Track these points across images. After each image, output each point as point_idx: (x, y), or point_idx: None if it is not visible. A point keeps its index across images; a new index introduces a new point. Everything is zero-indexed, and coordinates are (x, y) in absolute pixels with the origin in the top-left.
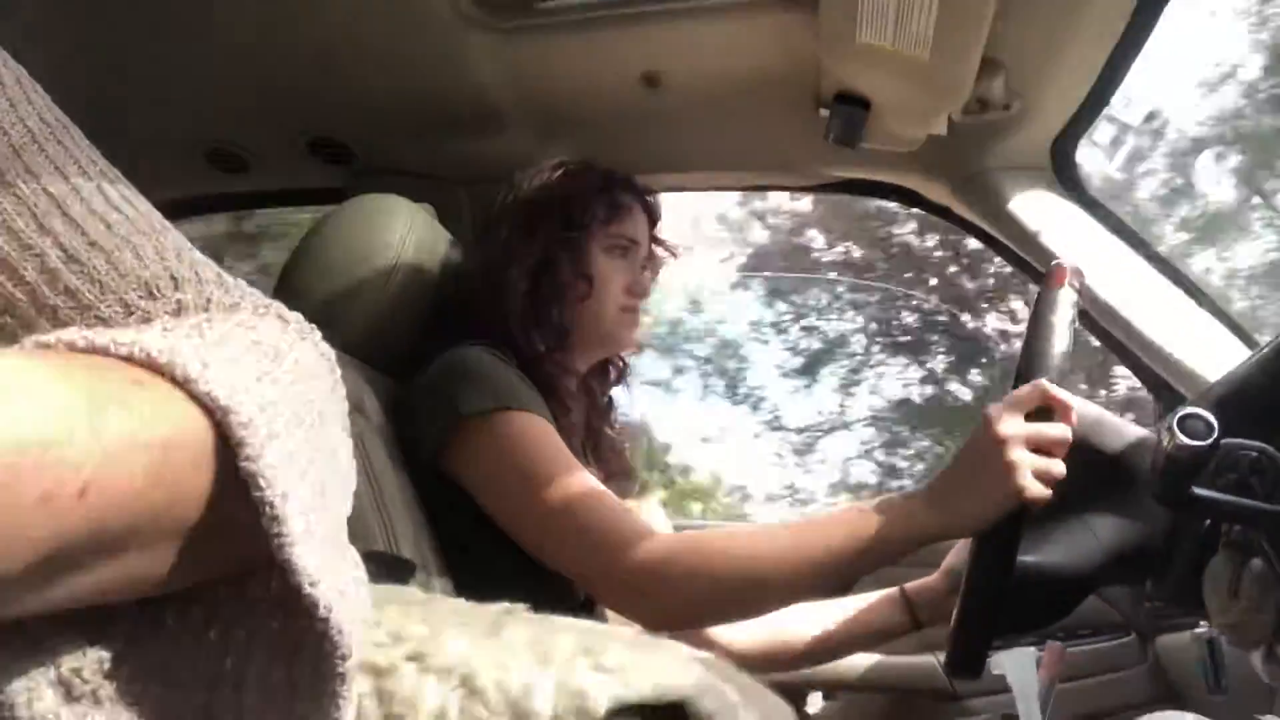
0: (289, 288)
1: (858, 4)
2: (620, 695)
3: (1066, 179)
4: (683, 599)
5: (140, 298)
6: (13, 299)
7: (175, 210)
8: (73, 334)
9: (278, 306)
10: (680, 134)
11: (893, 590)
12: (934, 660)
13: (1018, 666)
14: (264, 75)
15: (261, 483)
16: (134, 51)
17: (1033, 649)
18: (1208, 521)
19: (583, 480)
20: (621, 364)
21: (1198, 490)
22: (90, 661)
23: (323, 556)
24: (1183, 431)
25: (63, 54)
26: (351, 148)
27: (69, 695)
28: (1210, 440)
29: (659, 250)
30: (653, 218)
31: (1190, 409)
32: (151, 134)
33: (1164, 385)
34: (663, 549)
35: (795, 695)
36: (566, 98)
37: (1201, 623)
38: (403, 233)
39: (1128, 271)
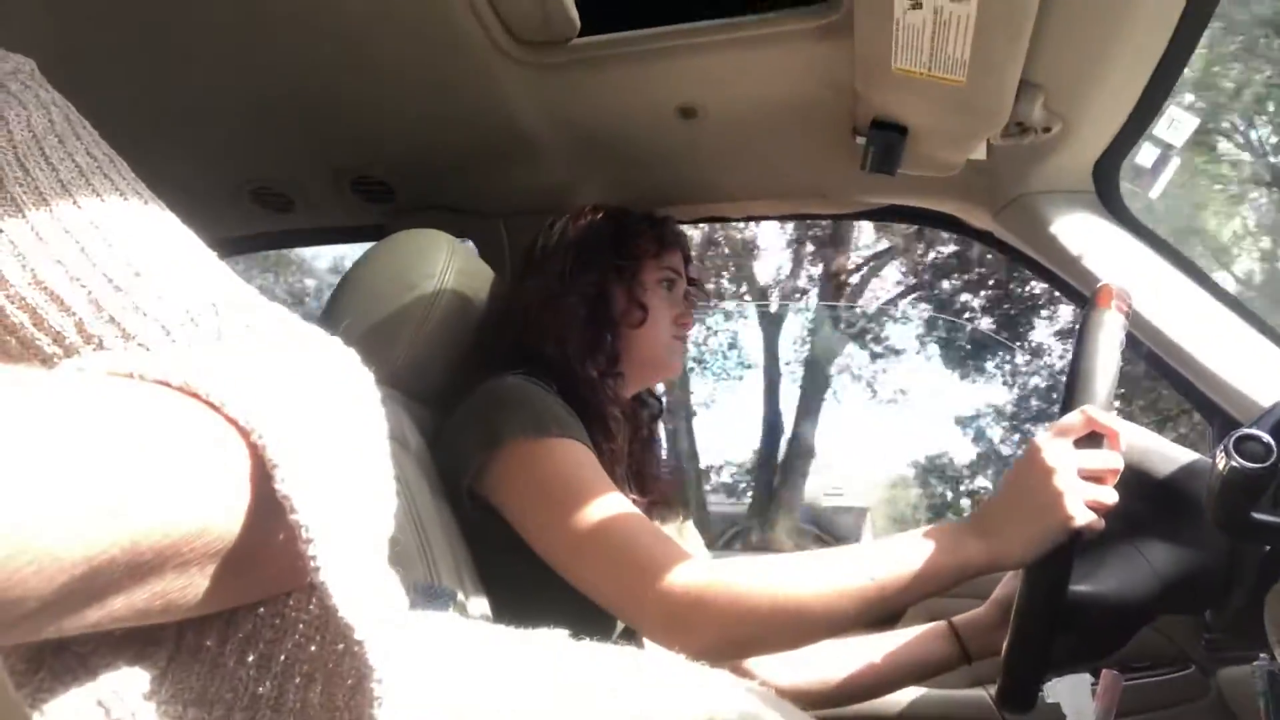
0: (332, 322)
1: (893, 30)
2: None
3: (1110, 201)
4: (722, 628)
5: (181, 325)
6: (61, 330)
7: (221, 249)
8: (110, 359)
9: (316, 332)
10: (717, 164)
11: (940, 623)
12: (984, 694)
13: (1072, 693)
14: (306, 117)
15: (297, 505)
16: (181, 95)
17: (1088, 676)
18: (1268, 548)
19: (623, 507)
20: (658, 400)
21: (1257, 515)
22: (131, 684)
23: (359, 579)
24: (1240, 454)
25: (111, 96)
26: (392, 185)
27: (108, 717)
28: (1269, 462)
29: (693, 288)
30: (686, 256)
31: (1247, 430)
32: (198, 175)
33: (1216, 409)
34: (703, 577)
35: None
36: (603, 131)
37: (1262, 654)
38: (443, 266)
39: (1175, 294)
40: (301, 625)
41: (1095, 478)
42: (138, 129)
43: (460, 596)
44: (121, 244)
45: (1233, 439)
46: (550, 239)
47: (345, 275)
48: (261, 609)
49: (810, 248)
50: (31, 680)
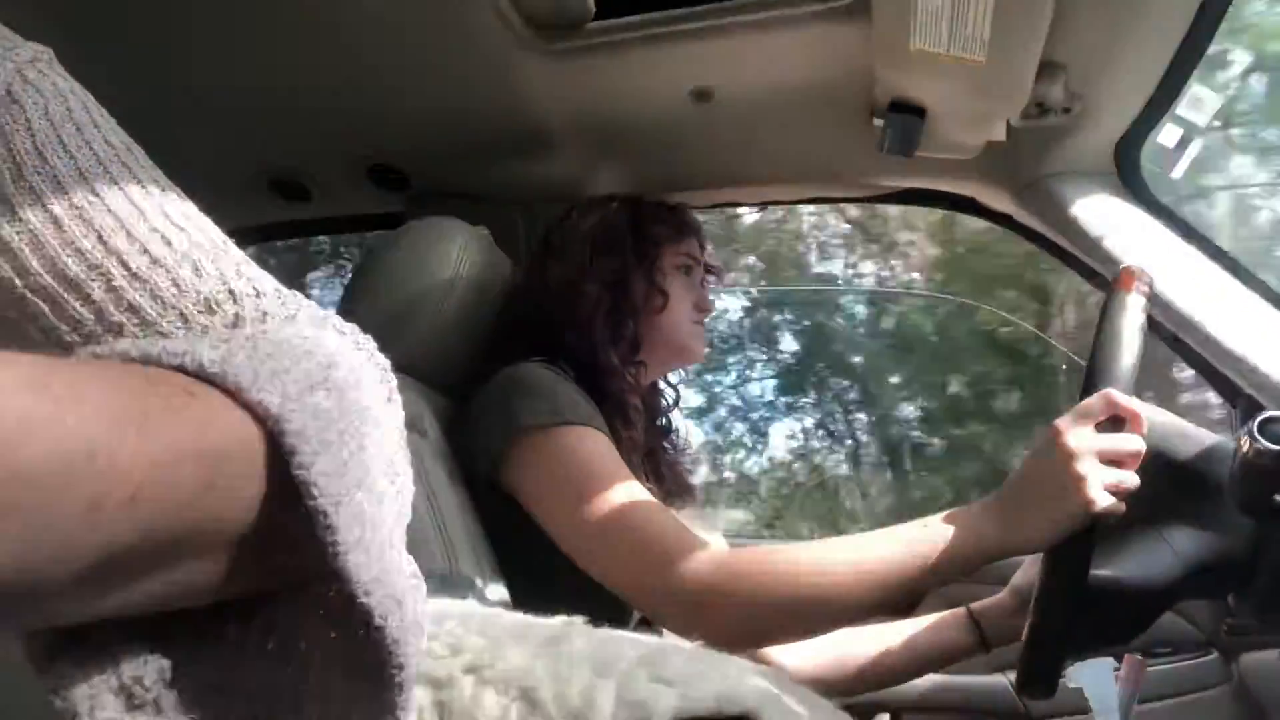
0: (350, 311)
1: (911, 9)
2: (681, 707)
3: (1131, 182)
4: (741, 617)
5: (199, 312)
6: (80, 318)
7: (239, 238)
8: (126, 344)
9: (333, 318)
10: (733, 148)
11: (959, 610)
12: (1005, 680)
13: (1095, 678)
14: (325, 105)
15: (314, 491)
16: (198, 84)
17: (1110, 661)
18: None
19: (640, 496)
20: (675, 388)
21: None
22: (152, 670)
23: (378, 565)
24: (1264, 436)
25: (128, 85)
26: (408, 173)
27: (130, 703)
28: None
29: (709, 274)
30: (702, 242)
31: (1272, 413)
32: (217, 164)
33: (1240, 393)
34: (720, 566)
35: (861, 716)
36: (618, 116)
37: None
38: (459, 254)
39: (1198, 276)
40: (322, 611)
41: (1116, 461)
42: (155, 118)
43: (479, 583)
44: (139, 232)
45: (1257, 421)
46: (568, 227)
47: (361, 264)
48: (281, 595)
49: None
50: (52, 666)
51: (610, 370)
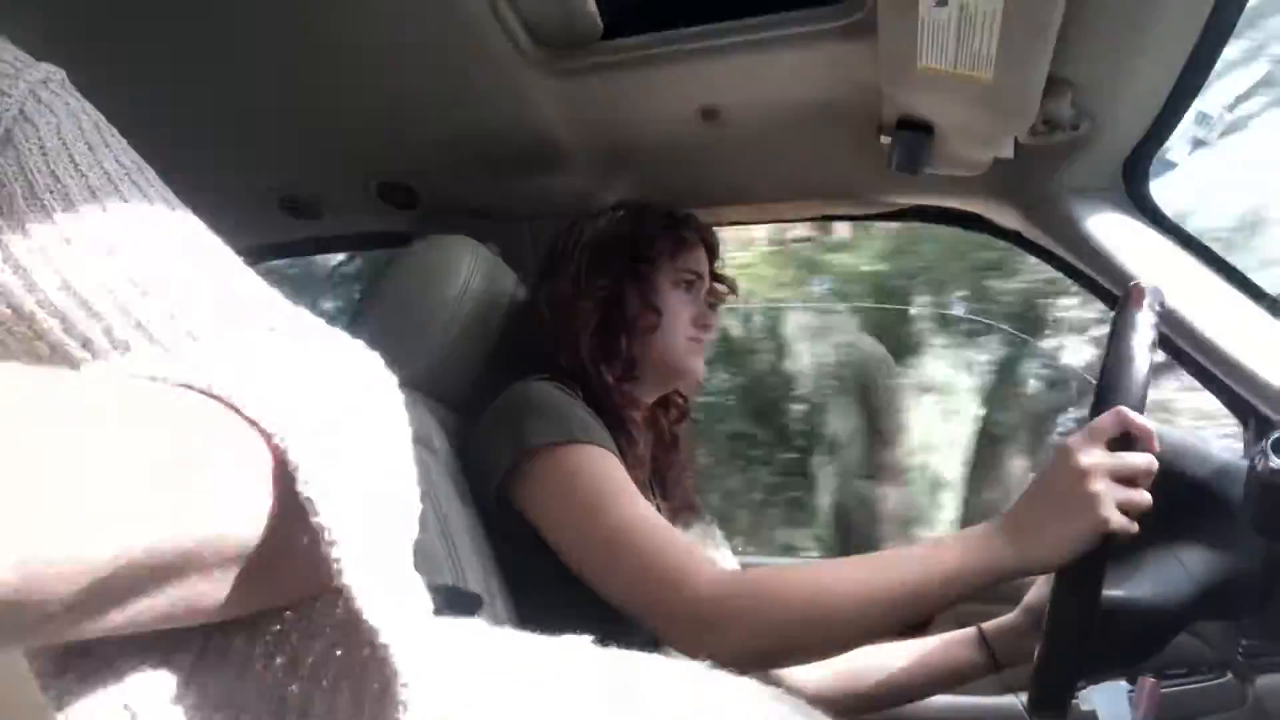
0: (359, 328)
1: (917, 28)
2: None
3: (1140, 198)
4: (750, 637)
5: (206, 329)
6: (89, 335)
7: (249, 256)
8: (133, 361)
9: (341, 335)
10: (740, 166)
11: (970, 629)
12: (1016, 701)
13: (1108, 700)
14: (334, 123)
15: (320, 507)
16: (208, 103)
17: (1124, 683)
18: None
19: (647, 514)
20: (683, 400)
21: None
22: (156, 687)
23: (384, 582)
24: (1278, 455)
25: (138, 105)
26: (418, 191)
27: None
28: None
29: (719, 286)
30: (712, 254)
31: None
32: (227, 183)
33: (1251, 410)
34: (729, 585)
35: None
36: (626, 134)
37: None
38: (468, 271)
39: (1209, 293)
40: (328, 629)
41: (1129, 480)
42: (165, 137)
43: (487, 600)
44: (149, 250)
45: (1272, 439)
46: (569, 241)
47: (371, 281)
48: (288, 612)
49: None
50: (58, 682)
51: (605, 388)
